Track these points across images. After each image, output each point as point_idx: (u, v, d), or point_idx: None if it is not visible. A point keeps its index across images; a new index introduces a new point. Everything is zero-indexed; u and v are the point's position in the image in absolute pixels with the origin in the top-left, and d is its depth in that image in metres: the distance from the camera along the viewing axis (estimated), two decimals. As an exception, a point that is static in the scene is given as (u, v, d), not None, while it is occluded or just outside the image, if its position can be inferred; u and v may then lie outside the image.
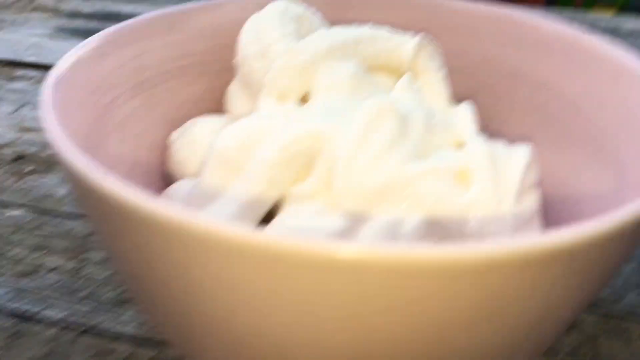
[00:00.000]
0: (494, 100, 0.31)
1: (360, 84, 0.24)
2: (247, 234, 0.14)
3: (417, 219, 0.21)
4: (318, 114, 0.23)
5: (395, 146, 0.21)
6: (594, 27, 0.73)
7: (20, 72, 0.51)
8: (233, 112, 0.29)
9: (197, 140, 0.28)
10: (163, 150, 0.30)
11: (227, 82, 0.33)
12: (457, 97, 0.29)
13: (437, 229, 0.21)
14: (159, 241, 0.16)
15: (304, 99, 0.26)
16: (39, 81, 0.49)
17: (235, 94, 0.29)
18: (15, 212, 0.35)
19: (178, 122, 0.31)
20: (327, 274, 0.14)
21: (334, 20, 0.32)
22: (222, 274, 0.15)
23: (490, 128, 0.29)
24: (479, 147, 0.22)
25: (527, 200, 0.22)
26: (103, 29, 0.27)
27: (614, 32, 0.73)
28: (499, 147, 0.23)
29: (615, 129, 0.25)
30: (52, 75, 0.23)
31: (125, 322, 0.28)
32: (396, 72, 0.26)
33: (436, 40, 0.31)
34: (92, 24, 0.60)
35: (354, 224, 0.21)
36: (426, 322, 0.15)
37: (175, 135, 0.30)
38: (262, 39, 0.26)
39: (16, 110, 0.46)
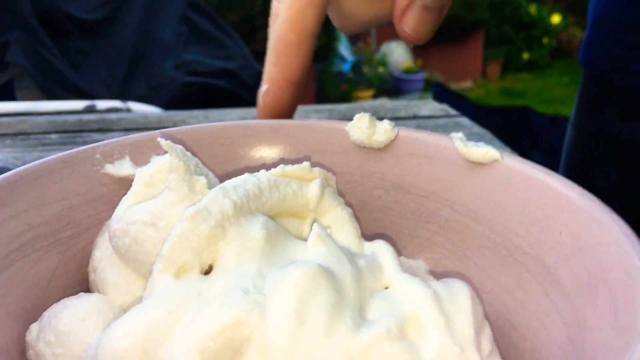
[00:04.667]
0: (382, 213, 0.29)
1: (272, 243, 0.21)
2: None
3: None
4: (234, 292, 0.19)
5: (337, 314, 0.18)
6: (379, 112, 0.78)
7: None
8: (108, 291, 0.24)
9: (65, 337, 0.22)
10: (21, 352, 0.24)
11: (82, 252, 0.27)
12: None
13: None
14: None
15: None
16: None
17: (106, 267, 0.24)
18: None
19: (31, 313, 0.25)
20: None
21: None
22: None
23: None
24: (421, 291, 0.20)
25: (484, 337, 0.20)
26: None
27: (416, 117, 0.78)
28: (439, 287, 0.21)
29: (516, 229, 0.24)
30: None
31: None
32: (299, 214, 0.24)
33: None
34: None
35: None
36: None
37: (34, 330, 0.24)
38: (154, 204, 0.22)
39: None
